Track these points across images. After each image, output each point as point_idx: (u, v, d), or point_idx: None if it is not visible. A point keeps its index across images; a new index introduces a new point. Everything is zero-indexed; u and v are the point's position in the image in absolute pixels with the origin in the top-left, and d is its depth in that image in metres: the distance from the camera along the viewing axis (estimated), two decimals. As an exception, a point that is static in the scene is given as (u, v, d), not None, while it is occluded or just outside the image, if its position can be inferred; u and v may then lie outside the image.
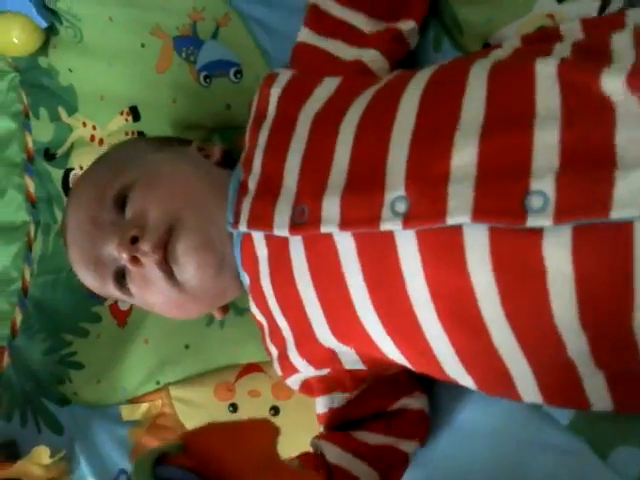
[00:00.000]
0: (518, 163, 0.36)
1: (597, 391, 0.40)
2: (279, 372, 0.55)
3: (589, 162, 0.34)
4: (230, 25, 0.63)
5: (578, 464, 0.47)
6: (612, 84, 0.35)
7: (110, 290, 0.56)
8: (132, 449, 0.66)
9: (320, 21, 0.55)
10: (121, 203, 0.51)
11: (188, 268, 0.50)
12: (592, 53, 0.40)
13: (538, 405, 0.48)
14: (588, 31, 0.42)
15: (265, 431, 0.31)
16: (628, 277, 0.34)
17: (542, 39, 0.44)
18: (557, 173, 0.35)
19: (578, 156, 0.35)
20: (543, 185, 0.35)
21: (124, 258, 0.49)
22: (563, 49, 0.40)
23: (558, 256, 0.35)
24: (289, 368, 0.54)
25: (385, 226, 0.40)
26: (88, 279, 0.56)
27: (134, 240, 0.49)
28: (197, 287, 0.52)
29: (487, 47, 0.50)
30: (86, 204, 0.54)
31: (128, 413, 0.67)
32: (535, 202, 0.35)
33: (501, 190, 0.36)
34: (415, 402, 0.54)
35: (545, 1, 0.47)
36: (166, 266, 0.50)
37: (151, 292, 0.53)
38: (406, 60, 0.55)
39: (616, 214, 0.33)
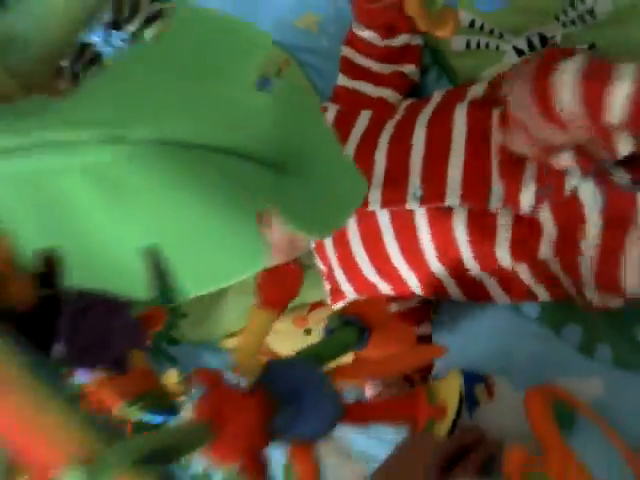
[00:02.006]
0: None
1: (538, 289, 0.70)
2: (331, 301, 0.83)
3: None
4: (290, 68, 0.90)
5: (545, 343, 0.76)
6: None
7: None
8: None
9: (350, 68, 0.83)
10: None
11: None
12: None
13: (513, 306, 0.77)
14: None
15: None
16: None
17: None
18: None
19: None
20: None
21: None
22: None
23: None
24: (339, 296, 0.82)
25: (409, 206, 0.69)
26: None
27: None
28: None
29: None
30: None
31: (228, 344, 0.93)
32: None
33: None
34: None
35: (511, 55, 0.76)
36: None
37: None
38: (416, 89, 0.83)
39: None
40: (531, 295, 0.72)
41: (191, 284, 0.29)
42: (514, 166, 0.66)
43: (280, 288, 0.59)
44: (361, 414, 0.51)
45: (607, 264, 0.66)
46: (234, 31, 0.32)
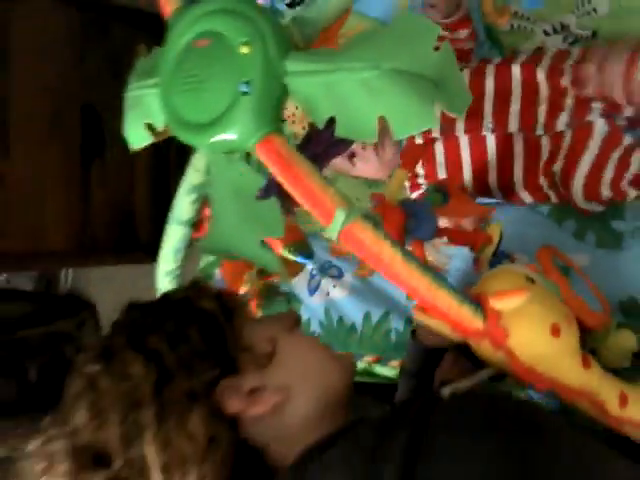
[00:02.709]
0: None
1: (550, 194, 1.07)
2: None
3: None
4: None
5: (551, 230, 1.14)
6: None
7: None
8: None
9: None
10: None
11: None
12: None
13: (531, 206, 1.14)
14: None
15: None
16: None
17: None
18: None
19: None
20: None
21: None
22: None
23: None
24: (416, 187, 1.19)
25: (483, 133, 1.05)
26: None
27: None
28: None
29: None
30: None
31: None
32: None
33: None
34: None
35: (540, 35, 1.12)
36: None
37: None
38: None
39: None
40: (547, 198, 1.10)
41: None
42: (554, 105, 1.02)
43: (409, 158, 0.98)
44: (447, 232, 0.91)
45: (592, 180, 1.04)
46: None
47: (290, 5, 1.26)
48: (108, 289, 1.98)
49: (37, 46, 1.30)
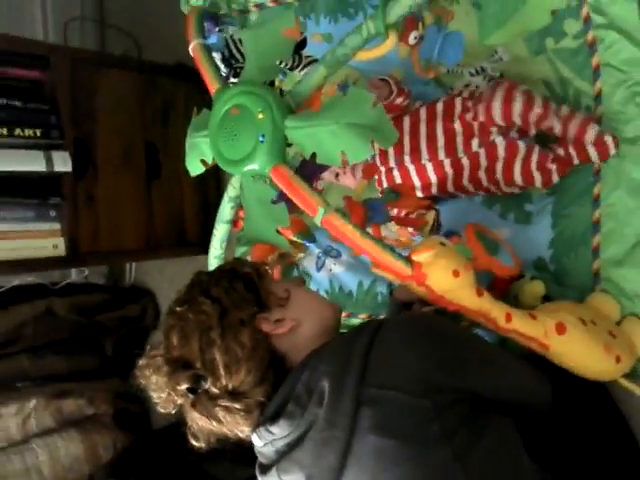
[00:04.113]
0: None
1: (488, 187, 1.53)
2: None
3: None
4: (360, 81, 1.74)
5: (483, 213, 1.59)
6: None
7: None
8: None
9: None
10: None
11: None
12: None
13: (468, 197, 1.60)
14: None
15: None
16: None
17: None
18: None
19: None
20: None
21: None
22: None
23: None
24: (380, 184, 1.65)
25: (423, 162, 1.52)
26: None
27: None
28: None
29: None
30: None
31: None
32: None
33: None
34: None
35: (467, 76, 1.58)
36: None
37: None
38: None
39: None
40: (488, 190, 1.52)
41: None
42: (466, 134, 1.46)
43: (367, 174, 1.47)
44: (397, 219, 1.39)
45: (508, 173, 1.47)
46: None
47: (291, 69, 1.73)
48: (162, 280, 2.46)
49: (113, 102, 1.80)
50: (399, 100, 1.48)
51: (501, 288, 1.39)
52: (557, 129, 1.33)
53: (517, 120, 1.33)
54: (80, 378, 2.31)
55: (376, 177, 1.54)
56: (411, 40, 1.40)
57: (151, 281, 2.52)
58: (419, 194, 1.52)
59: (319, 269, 1.83)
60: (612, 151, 1.32)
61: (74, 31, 2.55)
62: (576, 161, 1.35)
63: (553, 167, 1.35)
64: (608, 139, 1.31)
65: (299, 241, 1.50)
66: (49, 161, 1.76)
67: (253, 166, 1.15)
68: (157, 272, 2.48)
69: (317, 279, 1.83)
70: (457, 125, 1.41)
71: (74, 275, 2.42)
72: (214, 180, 2.12)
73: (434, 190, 1.50)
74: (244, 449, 1.12)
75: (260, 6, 1.83)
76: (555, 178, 1.37)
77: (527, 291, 1.38)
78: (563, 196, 1.43)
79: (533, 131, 1.36)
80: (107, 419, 2.33)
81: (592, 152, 1.33)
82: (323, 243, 1.79)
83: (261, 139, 1.13)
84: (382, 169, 1.53)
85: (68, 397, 2.30)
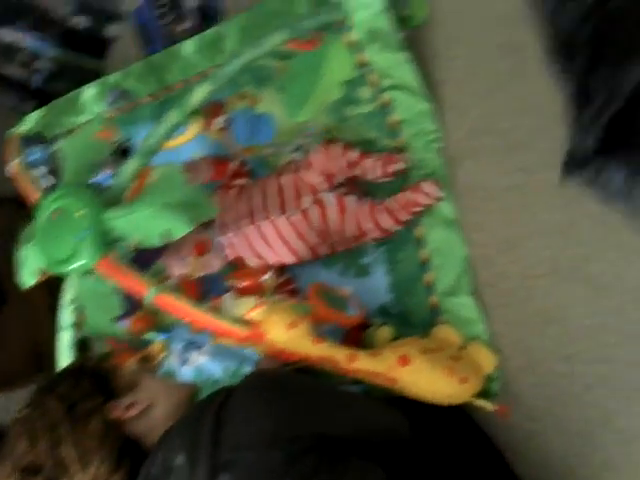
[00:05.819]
0: None
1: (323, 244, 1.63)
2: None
3: None
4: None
5: (326, 275, 1.68)
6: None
7: None
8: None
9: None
10: None
11: None
12: None
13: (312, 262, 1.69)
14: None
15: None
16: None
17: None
18: None
19: None
20: None
21: None
22: None
23: None
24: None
25: (258, 224, 1.60)
26: None
27: None
28: None
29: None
30: None
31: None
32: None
33: None
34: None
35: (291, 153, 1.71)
36: None
37: None
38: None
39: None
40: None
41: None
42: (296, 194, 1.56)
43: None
44: (235, 289, 1.44)
45: (341, 229, 1.56)
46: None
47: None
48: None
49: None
50: (239, 181, 1.56)
51: (355, 339, 1.47)
52: (378, 172, 1.49)
53: (336, 166, 1.46)
54: None
55: (212, 252, 1.60)
56: (216, 125, 1.50)
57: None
58: (270, 260, 1.58)
59: (184, 364, 1.83)
60: (438, 193, 1.48)
61: None
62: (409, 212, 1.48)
63: (384, 216, 1.45)
64: (430, 186, 1.46)
65: (154, 337, 1.52)
66: None
67: (79, 262, 1.19)
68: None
69: (184, 375, 1.82)
70: (285, 181, 1.52)
71: None
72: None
73: (282, 252, 1.57)
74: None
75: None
76: (389, 225, 1.48)
77: (378, 337, 1.47)
78: (392, 243, 1.55)
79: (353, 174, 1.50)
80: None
81: (422, 199, 1.47)
82: (184, 338, 1.80)
83: (82, 235, 1.17)
84: (224, 241, 1.59)
85: None
